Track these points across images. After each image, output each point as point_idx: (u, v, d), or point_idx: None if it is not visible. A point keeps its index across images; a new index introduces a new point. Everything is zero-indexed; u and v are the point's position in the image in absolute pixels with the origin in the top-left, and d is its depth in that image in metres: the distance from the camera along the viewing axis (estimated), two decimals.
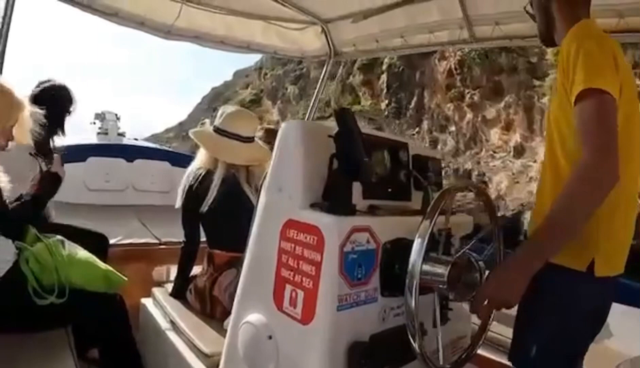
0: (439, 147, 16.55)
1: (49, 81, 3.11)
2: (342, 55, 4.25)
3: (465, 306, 1.87)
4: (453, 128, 16.96)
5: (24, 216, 2.33)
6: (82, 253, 2.37)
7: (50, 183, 2.43)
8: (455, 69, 16.87)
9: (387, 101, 19.91)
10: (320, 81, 4.52)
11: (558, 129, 1.49)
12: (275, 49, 4.30)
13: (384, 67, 20.15)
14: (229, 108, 2.64)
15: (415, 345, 1.27)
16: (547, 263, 1.36)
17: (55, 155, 2.60)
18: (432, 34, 3.46)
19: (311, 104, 4.61)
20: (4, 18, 2.79)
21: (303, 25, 4.05)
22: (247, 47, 4.11)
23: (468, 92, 16.63)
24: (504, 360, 2.52)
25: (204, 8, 3.64)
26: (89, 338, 2.32)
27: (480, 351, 1.63)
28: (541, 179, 1.63)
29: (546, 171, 1.56)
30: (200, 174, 2.45)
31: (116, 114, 6.14)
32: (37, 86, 3.04)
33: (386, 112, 19.74)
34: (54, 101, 2.97)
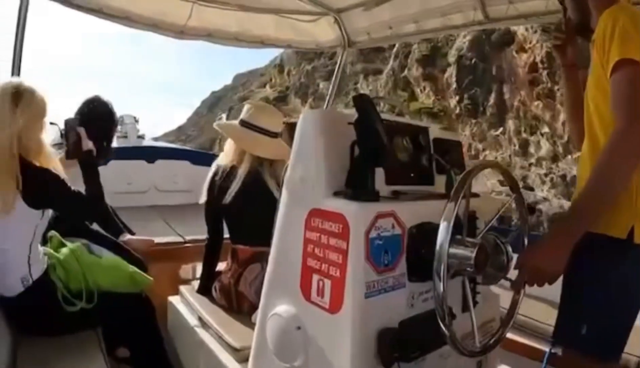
0: (531, 149, 14.87)
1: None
2: (356, 44, 4.22)
3: (494, 289, 1.87)
4: (546, 129, 14.70)
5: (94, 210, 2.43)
6: (107, 256, 2.41)
7: (90, 168, 2.38)
8: (542, 62, 14.57)
9: (457, 98, 17.42)
10: (335, 71, 4.50)
11: (595, 105, 1.52)
12: (290, 43, 4.30)
13: (452, 59, 17.73)
14: (254, 103, 2.65)
15: (445, 330, 1.26)
16: (587, 233, 1.39)
17: (79, 129, 2.41)
18: (446, 17, 3.42)
19: (328, 95, 4.59)
20: (18, 20, 2.84)
21: (316, 17, 4.03)
22: (261, 42, 4.11)
23: (559, 89, 14.16)
24: (532, 343, 2.53)
25: (215, 5, 3.66)
26: (118, 338, 2.36)
27: (509, 334, 1.61)
28: (581, 156, 1.65)
29: (586, 148, 1.59)
30: (225, 170, 2.45)
31: (135, 117, 6.22)
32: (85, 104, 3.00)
33: (457, 111, 17.37)
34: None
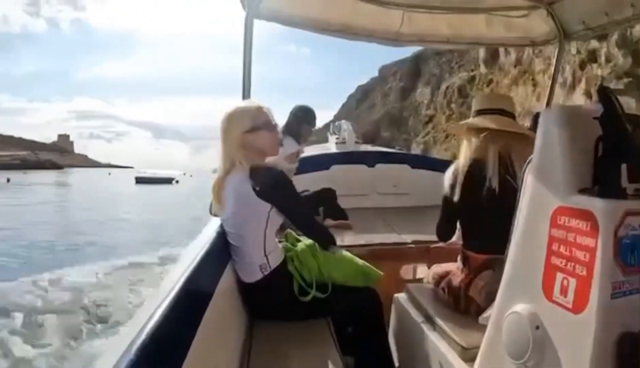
0: None
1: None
2: (572, 35, 3.94)
3: None
4: None
5: None
6: (340, 252, 2.58)
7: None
8: None
9: None
10: (554, 65, 4.23)
11: None
12: (503, 41, 4.25)
13: None
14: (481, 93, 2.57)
15: None
16: None
17: None
18: None
19: (548, 91, 4.36)
20: (245, 44, 3.13)
21: (527, 11, 3.87)
22: (475, 43, 4.11)
23: None
24: None
25: (425, 10, 3.72)
26: (346, 326, 2.51)
27: None
28: None
29: None
30: (468, 169, 2.34)
31: (352, 124, 6.61)
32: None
33: None
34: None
